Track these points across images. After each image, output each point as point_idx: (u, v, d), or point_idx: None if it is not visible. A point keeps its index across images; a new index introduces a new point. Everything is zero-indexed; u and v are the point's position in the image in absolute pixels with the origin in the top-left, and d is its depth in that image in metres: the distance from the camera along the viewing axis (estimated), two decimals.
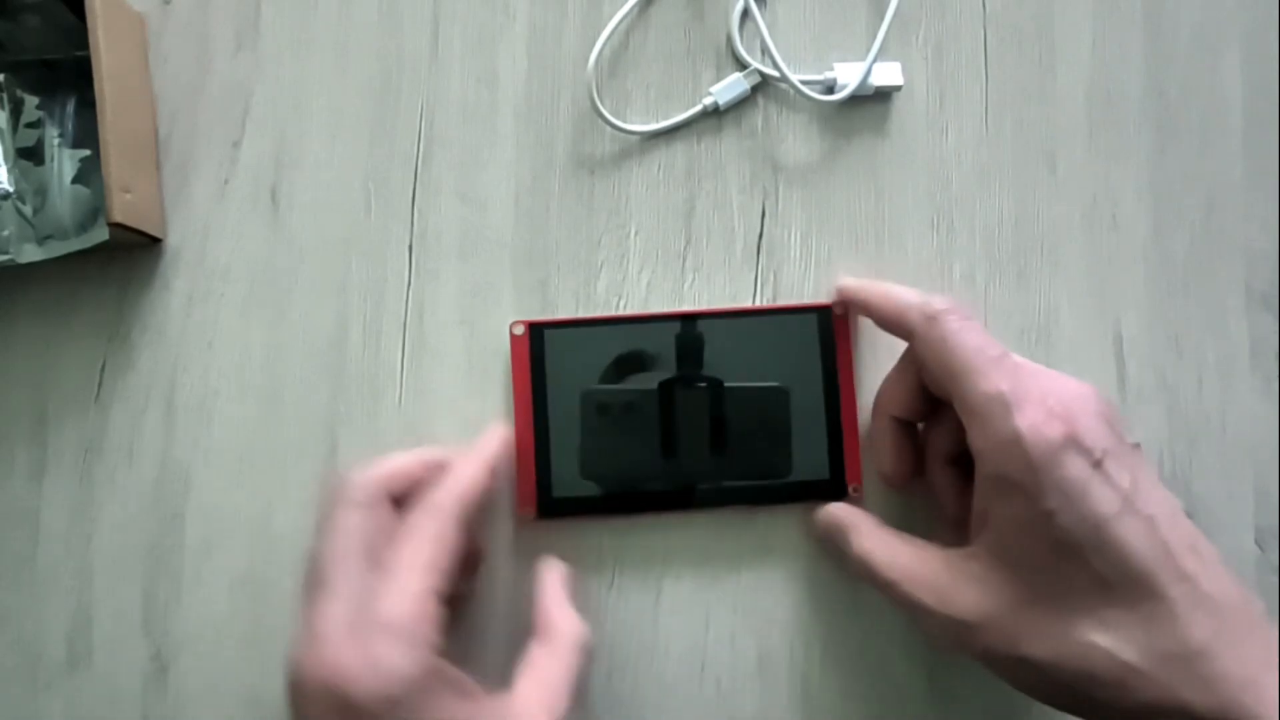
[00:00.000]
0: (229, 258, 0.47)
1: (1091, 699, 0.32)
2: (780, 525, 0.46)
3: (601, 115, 0.46)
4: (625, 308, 0.47)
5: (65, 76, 0.46)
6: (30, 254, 0.44)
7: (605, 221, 0.47)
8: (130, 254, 0.47)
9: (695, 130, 0.48)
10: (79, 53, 0.43)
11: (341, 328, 0.47)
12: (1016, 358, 0.36)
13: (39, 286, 0.47)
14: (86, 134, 0.46)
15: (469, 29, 0.48)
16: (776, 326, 0.45)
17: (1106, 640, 0.31)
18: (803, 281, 0.47)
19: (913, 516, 0.46)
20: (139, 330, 0.47)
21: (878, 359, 0.46)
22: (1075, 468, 0.32)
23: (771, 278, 0.47)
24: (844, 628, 0.45)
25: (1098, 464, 0.32)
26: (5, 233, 0.45)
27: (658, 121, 0.47)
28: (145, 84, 0.47)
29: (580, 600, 0.41)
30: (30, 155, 0.46)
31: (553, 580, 0.42)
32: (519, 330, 0.45)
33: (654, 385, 0.44)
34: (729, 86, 0.47)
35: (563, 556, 0.44)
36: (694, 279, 0.47)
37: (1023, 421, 0.33)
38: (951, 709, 0.45)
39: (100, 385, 0.47)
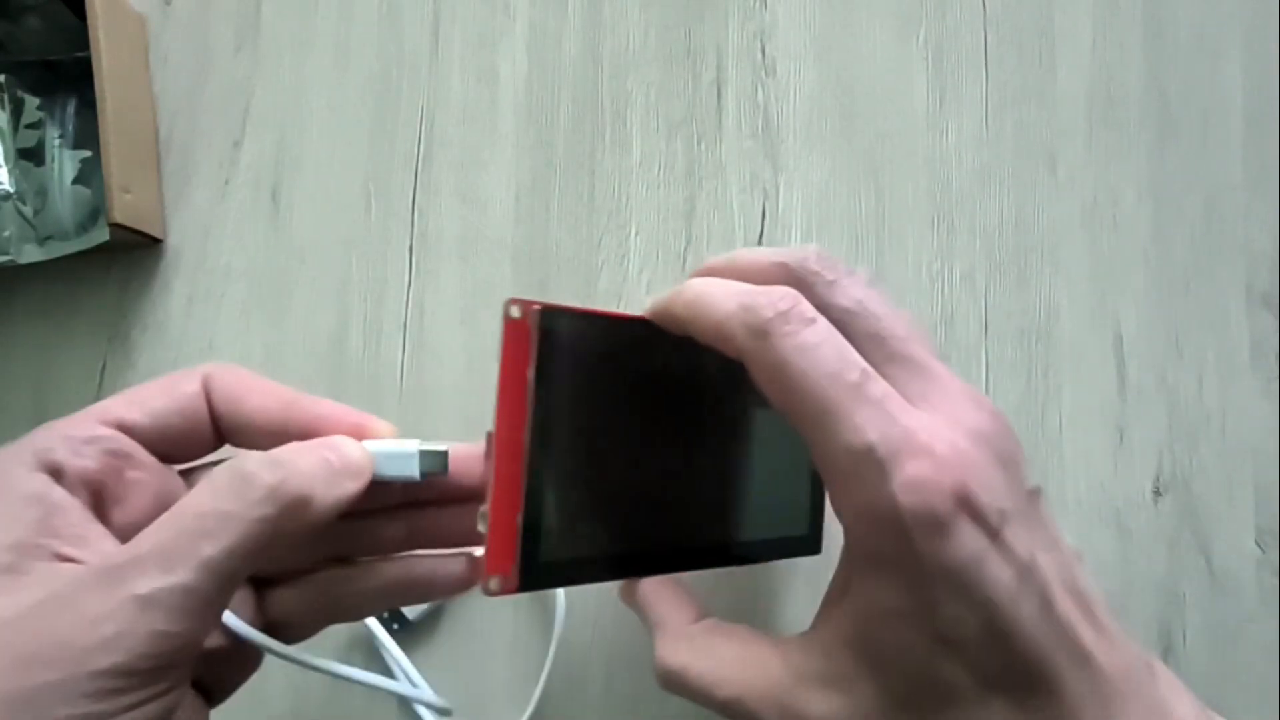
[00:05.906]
0: (229, 258, 0.47)
1: None
2: None
3: None
4: (625, 308, 0.47)
5: (66, 77, 0.46)
6: (31, 254, 0.44)
7: (605, 221, 0.47)
8: (130, 254, 0.47)
9: (695, 130, 0.48)
10: (79, 53, 0.43)
11: (341, 328, 0.47)
12: (881, 383, 0.26)
13: (39, 287, 0.47)
14: (87, 134, 0.46)
15: (469, 29, 0.48)
16: None
17: None
18: None
19: None
20: (139, 330, 0.47)
21: None
22: (968, 545, 0.25)
23: None
24: None
25: (995, 534, 0.25)
26: (6, 233, 0.45)
27: (658, 120, 0.48)
28: (145, 84, 0.47)
29: None
30: (31, 156, 0.46)
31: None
32: (515, 312, 0.30)
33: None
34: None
35: None
36: None
37: (901, 486, 0.24)
38: None
39: (100, 385, 0.46)
